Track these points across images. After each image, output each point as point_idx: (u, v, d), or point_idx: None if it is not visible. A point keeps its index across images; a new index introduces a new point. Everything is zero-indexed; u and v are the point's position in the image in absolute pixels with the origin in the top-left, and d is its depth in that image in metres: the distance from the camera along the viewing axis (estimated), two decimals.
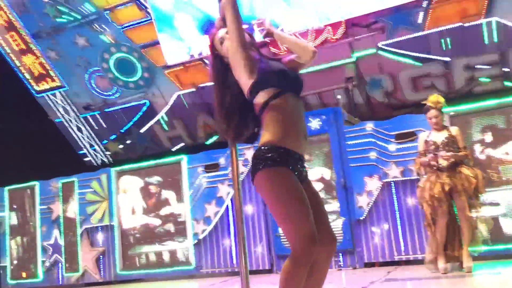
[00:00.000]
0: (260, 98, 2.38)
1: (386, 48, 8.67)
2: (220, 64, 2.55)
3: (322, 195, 6.84)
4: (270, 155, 2.26)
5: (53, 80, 10.98)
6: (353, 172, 6.66)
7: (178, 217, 7.92)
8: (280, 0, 8.44)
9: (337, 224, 6.65)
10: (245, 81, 2.41)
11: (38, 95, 11.23)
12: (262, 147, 2.31)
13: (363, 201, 6.57)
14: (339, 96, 8.84)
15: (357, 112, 8.75)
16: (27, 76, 11.04)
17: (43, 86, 11.06)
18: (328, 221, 2.39)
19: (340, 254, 6.63)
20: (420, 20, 8.26)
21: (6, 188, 9.41)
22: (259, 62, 2.45)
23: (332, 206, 6.74)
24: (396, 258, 6.35)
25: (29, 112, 11.65)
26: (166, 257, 7.91)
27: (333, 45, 8.64)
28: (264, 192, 2.29)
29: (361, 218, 6.55)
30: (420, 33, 8.30)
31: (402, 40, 8.48)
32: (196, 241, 7.61)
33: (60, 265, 8.65)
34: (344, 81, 8.82)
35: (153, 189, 8.19)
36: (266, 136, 2.33)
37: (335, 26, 8.49)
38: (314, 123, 6.87)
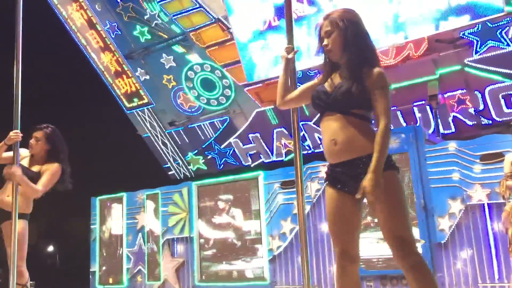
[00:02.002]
0: None
1: (473, 64, 8.29)
2: None
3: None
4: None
5: (142, 98, 11.69)
6: (434, 194, 6.39)
7: (254, 233, 8.03)
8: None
9: None
10: None
11: (128, 112, 11.98)
12: None
13: (444, 224, 6.28)
14: (420, 114, 8.56)
15: (440, 131, 8.41)
16: (119, 94, 11.83)
17: (132, 103, 11.80)
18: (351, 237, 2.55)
19: None
20: (510, 35, 7.81)
21: (98, 198, 10.07)
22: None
23: None
24: (480, 285, 5.97)
25: (120, 127, 12.46)
26: (241, 271, 8.03)
27: (415, 62, 8.40)
28: None
29: (442, 242, 6.25)
30: (510, 49, 7.85)
31: (490, 56, 8.06)
32: (271, 257, 7.67)
33: (143, 273, 9.08)
34: (427, 98, 8.53)
35: (225, 204, 8.39)
36: None
37: (417, 42, 8.27)
38: (394, 142, 6.70)
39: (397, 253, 2.39)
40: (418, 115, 8.52)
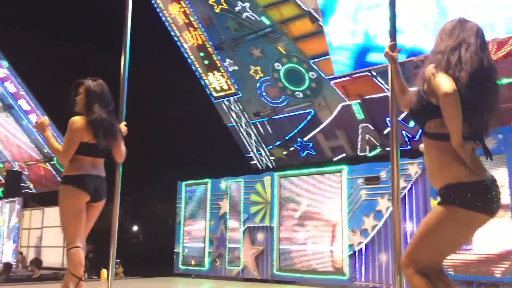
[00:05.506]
0: None
1: None
2: None
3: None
4: None
5: (229, 88, 11.98)
6: None
7: (334, 227, 8.00)
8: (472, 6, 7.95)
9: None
10: None
11: (215, 101, 12.33)
12: None
13: None
14: None
15: None
16: (208, 83, 12.21)
17: (220, 92, 12.13)
18: None
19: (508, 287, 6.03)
20: None
21: (184, 183, 10.52)
22: None
23: (504, 230, 6.17)
24: None
25: (207, 116, 12.88)
26: (320, 264, 8.04)
27: None
28: None
29: None
30: None
31: None
32: (351, 252, 7.61)
33: (223, 258, 9.38)
34: None
35: (306, 196, 8.41)
36: None
37: None
38: (489, 142, 6.35)
39: None
40: None
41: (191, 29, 11.78)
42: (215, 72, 11.91)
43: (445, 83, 2.25)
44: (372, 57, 9.14)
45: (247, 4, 10.71)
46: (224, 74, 11.82)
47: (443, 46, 2.45)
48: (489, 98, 2.41)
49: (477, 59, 2.39)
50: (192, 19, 11.64)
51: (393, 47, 2.87)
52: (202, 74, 12.13)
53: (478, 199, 2.29)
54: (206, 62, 11.94)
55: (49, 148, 3.77)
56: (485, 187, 2.32)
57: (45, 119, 3.79)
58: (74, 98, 3.73)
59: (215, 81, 11.98)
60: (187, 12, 11.64)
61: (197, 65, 12.08)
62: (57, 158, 3.70)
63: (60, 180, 3.68)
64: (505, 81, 7.95)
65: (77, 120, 3.59)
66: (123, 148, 3.87)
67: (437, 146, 2.39)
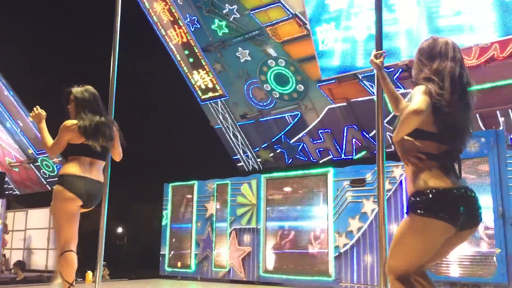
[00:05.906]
0: None
1: None
2: None
3: None
4: None
5: (216, 90, 12.01)
6: None
7: (320, 229, 8.07)
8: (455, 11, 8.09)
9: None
10: None
11: (202, 103, 12.34)
12: None
13: None
14: (502, 118, 8.19)
15: None
16: (196, 86, 12.22)
17: (207, 94, 12.14)
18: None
19: None
20: None
21: (170, 185, 10.49)
22: None
23: (486, 236, 6.28)
24: None
25: (194, 118, 12.90)
26: (306, 266, 8.10)
27: (499, 64, 8.04)
28: None
29: None
30: None
31: None
32: (337, 254, 7.67)
33: (210, 259, 9.38)
34: (511, 102, 8.14)
35: (293, 198, 8.47)
36: None
37: (503, 43, 7.90)
38: (472, 146, 6.47)
39: None
40: (500, 119, 8.15)
41: (176, 26, 11.78)
42: (200, 70, 11.92)
43: (416, 101, 2.34)
44: (358, 61, 9.26)
45: (234, 7, 10.76)
46: (208, 71, 11.83)
47: (427, 70, 2.50)
48: (470, 117, 2.52)
49: (459, 78, 2.48)
50: (177, 16, 11.63)
51: (379, 55, 2.91)
52: (188, 73, 12.14)
53: (432, 206, 2.33)
54: (190, 60, 11.94)
55: (41, 140, 3.83)
56: (442, 194, 2.35)
57: (42, 110, 3.86)
58: (67, 107, 3.79)
59: (200, 79, 11.97)
60: (172, 9, 11.63)
61: (183, 64, 12.08)
62: (46, 152, 3.80)
63: (53, 180, 3.75)
64: (487, 85, 8.13)
65: (68, 124, 3.64)
66: (119, 148, 3.93)
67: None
